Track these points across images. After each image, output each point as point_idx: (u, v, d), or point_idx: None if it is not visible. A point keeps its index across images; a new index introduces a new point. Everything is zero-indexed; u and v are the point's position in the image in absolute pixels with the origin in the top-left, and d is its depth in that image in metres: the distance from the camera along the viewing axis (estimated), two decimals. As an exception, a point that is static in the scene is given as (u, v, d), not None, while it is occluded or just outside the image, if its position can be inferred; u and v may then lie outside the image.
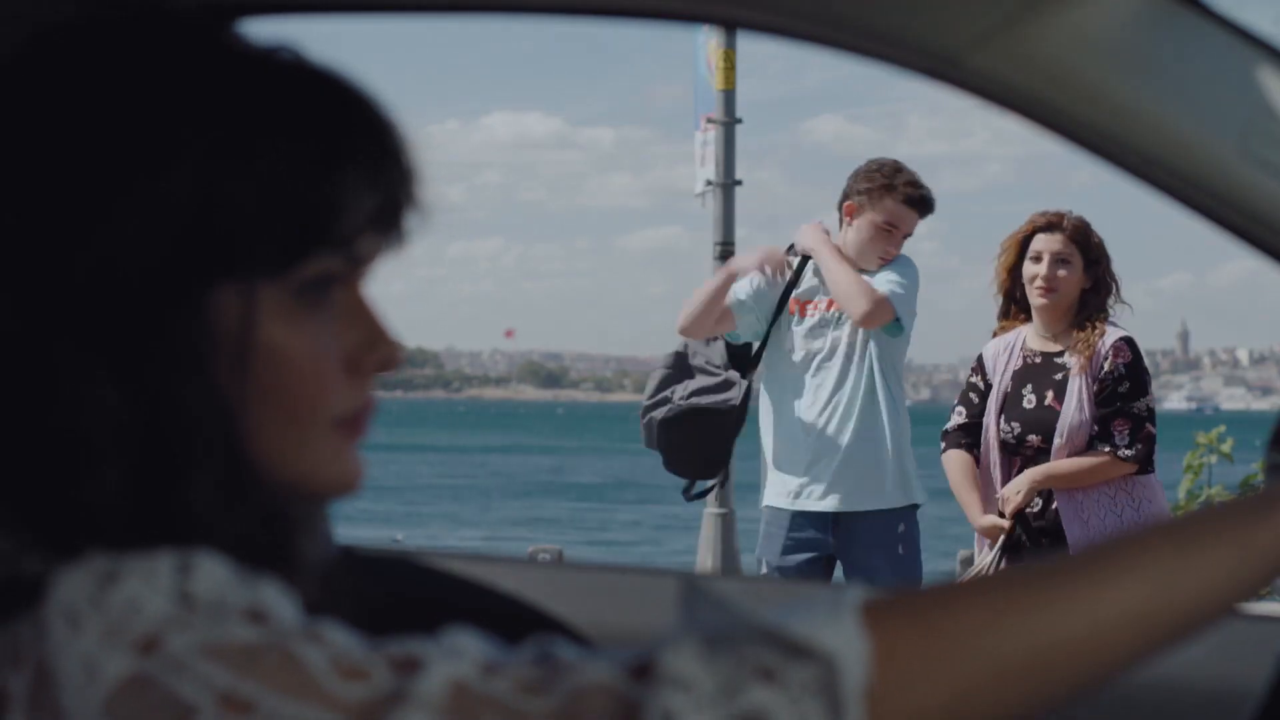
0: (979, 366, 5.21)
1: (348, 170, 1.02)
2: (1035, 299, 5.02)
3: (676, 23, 1.89)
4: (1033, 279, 5.02)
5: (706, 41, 11.60)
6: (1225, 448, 8.42)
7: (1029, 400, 5.00)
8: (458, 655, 0.89)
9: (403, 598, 1.51)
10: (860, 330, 5.23)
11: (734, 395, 5.43)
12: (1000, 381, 5.07)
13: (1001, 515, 4.99)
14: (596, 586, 1.78)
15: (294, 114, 1.02)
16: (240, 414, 1.00)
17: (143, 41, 1.03)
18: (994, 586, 0.94)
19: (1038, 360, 5.05)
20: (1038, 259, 5.02)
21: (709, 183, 11.72)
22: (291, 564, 1.01)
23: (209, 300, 0.99)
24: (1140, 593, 0.94)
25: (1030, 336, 5.11)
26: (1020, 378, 5.05)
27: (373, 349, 1.07)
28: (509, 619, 1.71)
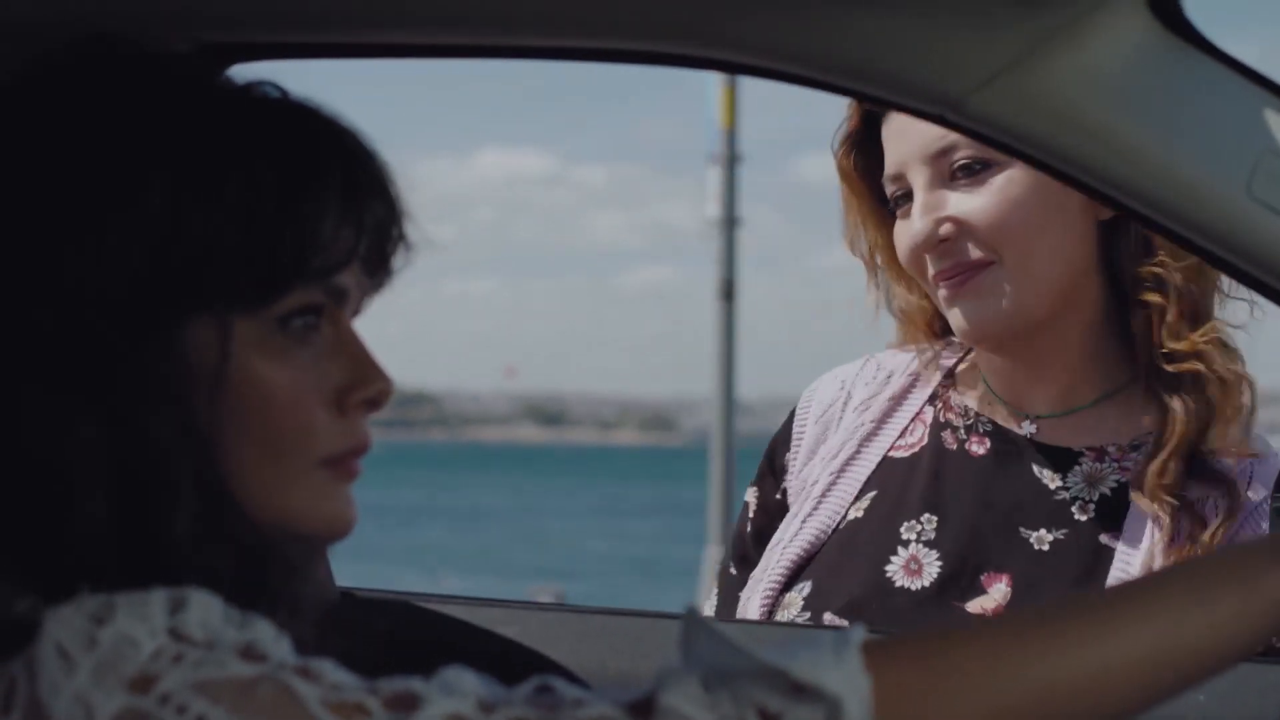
0: (776, 453, 1.98)
1: (322, 202, 1.02)
2: (944, 306, 1.83)
3: (681, 67, 1.89)
4: (912, 263, 1.84)
5: (718, 81, 11.69)
6: None
7: (901, 555, 1.80)
8: (455, 693, 0.89)
9: (402, 641, 1.50)
10: None
11: None
12: (822, 481, 1.90)
13: None
14: (598, 630, 1.77)
15: (265, 146, 1.02)
16: (220, 449, 0.99)
17: (117, 79, 1.03)
18: (998, 628, 0.94)
19: (978, 444, 1.86)
20: (902, 198, 1.84)
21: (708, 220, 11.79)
22: (282, 604, 1.00)
23: (184, 333, 0.99)
24: (1147, 638, 0.94)
25: (973, 371, 1.93)
26: (925, 484, 1.85)
27: (361, 386, 1.05)
28: (508, 663, 1.70)
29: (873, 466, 1.86)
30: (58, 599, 0.92)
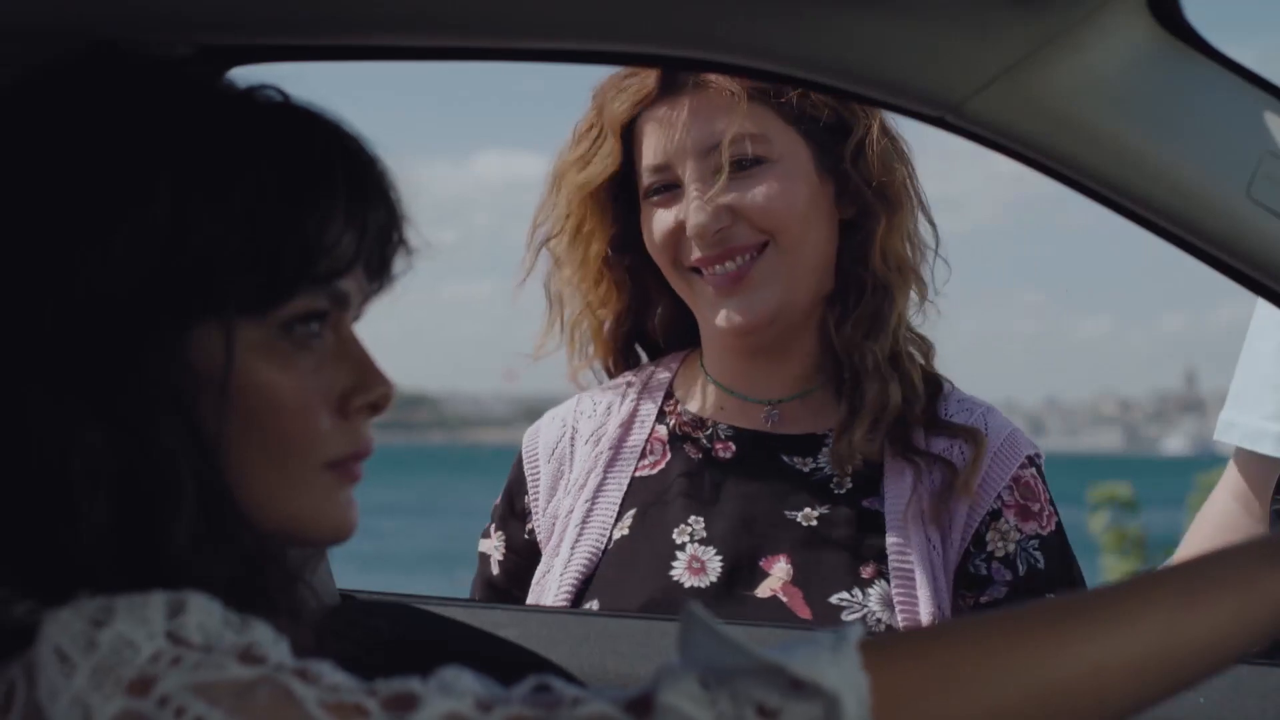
0: (514, 499, 2.02)
1: (326, 207, 1.02)
2: (708, 309, 1.90)
3: (681, 70, 1.89)
4: (669, 248, 1.90)
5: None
6: None
7: (682, 559, 1.86)
8: (453, 692, 0.89)
9: (402, 644, 1.50)
10: None
11: None
12: (579, 510, 1.92)
13: None
14: (598, 633, 1.77)
15: (270, 151, 1.02)
16: (224, 454, 1.00)
17: (121, 84, 1.04)
18: (995, 626, 0.94)
19: (723, 450, 1.93)
20: (663, 188, 1.89)
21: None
22: (282, 607, 1.01)
23: (188, 338, 0.99)
24: (1143, 637, 0.94)
25: (692, 381, 2.00)
26: (682, 493, 1.91)
27: (363, 391, 1.06)
28: (508, 665, 1.70)
29: (624, 489, 1.92)
30: (57, 602, 0.92)
